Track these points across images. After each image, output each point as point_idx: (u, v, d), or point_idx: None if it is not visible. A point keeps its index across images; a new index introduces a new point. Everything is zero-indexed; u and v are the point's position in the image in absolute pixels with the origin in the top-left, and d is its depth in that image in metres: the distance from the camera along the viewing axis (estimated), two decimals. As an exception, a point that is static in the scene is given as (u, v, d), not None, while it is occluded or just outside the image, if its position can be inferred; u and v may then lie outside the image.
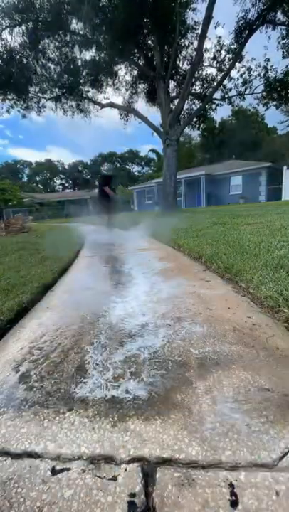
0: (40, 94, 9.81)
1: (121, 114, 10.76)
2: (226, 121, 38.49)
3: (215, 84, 9.85)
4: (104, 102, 10.37)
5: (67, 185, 58.63)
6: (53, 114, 10.35)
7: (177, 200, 10.13)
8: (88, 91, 9.91)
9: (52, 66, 9.28)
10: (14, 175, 52.20)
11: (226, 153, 32.40)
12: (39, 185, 56.54)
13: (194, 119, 10.67)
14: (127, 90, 10.12)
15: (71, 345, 1.13)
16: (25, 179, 56.50)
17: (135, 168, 54.20)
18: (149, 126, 10.00)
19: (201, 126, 11.34)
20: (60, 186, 58.99)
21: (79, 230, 7.33)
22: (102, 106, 10.27)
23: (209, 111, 10.83)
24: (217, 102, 10.56)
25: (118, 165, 51.93)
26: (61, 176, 59.89)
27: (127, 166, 53.36)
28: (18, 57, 8.81)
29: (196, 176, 18.37)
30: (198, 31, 9.03)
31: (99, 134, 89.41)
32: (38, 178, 58.08)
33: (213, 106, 10.67)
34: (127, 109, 10.20)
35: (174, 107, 9.68)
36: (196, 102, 10.57)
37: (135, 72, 9.87)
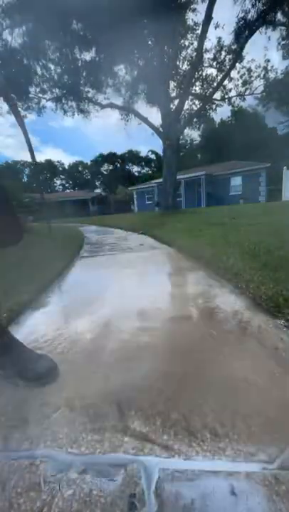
0: (40, 95, 9.80)
1: (121, 115, 10.78)
2: (225, 122, 38.56)
3: (215, 84, 9.83)
4: (104, 102, 10.29)
5: (67, 185, 58.62)
6: (54, 114, 10.38)
7: (177, 201, 10.17)
8: (88, 91, 9.85)
9: (52, 67, 9.30)
10: (14, 175, 52.13)
11: (225, 153, 32.42)
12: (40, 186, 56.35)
13: (194, 120, 10.67)
14: (127, 91, 10.11)
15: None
16: (25, 179, 56.45)
17: (135, 169, 54.20)
18: (149, 126, 10.00)
19: (202, 126, 11.38)
20: (61, 187, 58.98)
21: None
22: (103, 106, 10.21)
23: (209, 111, 10.86)
24: (217, 102, 10.57)
25: (118, 165, 51.98)
26: (61, 176, 59.88)
27: (127, 167, 53.36)
28: (18, 57, 8.82)
29: (196, 177, 18.40)
30: (198, 32, 9.03)
31: (99, 134, 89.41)
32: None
33: (214, 106, 10.69)
34: (127, 110, 10.21)
35: (174, 107, 9.65)
36: (197, 102, 10.55)
37: (135, 73, 9.89)
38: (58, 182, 60.10)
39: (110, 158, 51.48)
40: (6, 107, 9.75)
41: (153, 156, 49.08)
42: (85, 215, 28.70)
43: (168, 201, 10.00)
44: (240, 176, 17.96)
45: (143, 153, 53.38)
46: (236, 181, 18.16)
